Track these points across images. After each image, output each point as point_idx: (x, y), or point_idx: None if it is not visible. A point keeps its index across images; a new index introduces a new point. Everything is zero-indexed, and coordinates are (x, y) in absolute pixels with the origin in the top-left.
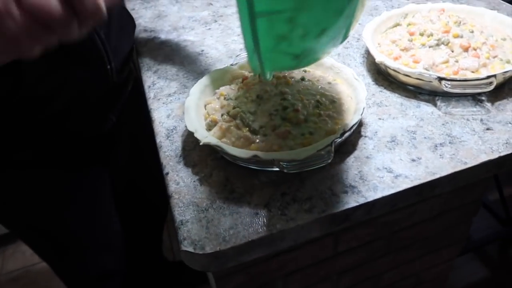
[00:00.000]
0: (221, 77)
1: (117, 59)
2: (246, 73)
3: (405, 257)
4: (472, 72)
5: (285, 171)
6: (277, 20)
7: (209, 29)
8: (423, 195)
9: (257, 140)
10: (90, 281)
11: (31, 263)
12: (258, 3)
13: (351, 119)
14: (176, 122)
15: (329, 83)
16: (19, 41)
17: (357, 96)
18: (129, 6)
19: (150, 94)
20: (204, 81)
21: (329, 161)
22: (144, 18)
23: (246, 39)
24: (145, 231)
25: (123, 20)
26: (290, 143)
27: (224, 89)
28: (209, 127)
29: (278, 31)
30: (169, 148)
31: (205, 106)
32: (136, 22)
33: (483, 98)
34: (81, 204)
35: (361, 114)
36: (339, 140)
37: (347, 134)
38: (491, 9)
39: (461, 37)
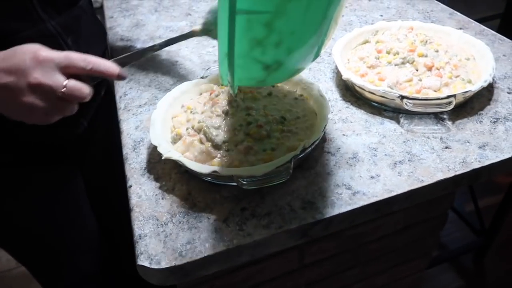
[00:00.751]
0: (190, 90)
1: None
2: (215, 87)
3: (373, 269)
4: (434, 91)
5: (244, 187)
6: (255, 21)
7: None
8: (381, 212)
9: (218, 155)
10: (66, 286)
11: (7, 268)
12: (240, 0)
13: (313, 136)
14: (144, 134)
15: (296, 98)
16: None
17: (321, 113)
18: (108, 14)
19: (121, 104)
20: (172, 93)
21: (287, 177)
22: (122, 27)
23: (221, 40)
24: (121, 234)
25: (93, 27)
26: (251, 158)
27: (191, 103)
28: (174, 141)
29: (255, 34)
30: (134, 160)
31: (172, 119)
32: (114, 31)
33: (444, 116)
34: (56, 203)
35: (323, 132)
36: (299, 156)
37: (307, 151)
38: (460, 28)
39: (426, 56)
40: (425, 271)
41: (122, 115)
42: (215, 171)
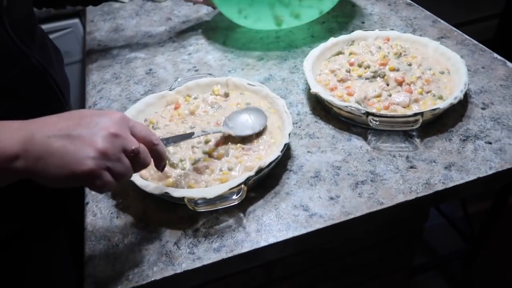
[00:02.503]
0: (155, 103)
1: (67, 93)
2: (180, 100)
3: (347, 283)
4: (403, 107)
5: (195, 209)
6: None
7: (162, 45)
8: (338, 235)
9: (174, 174)
10: None
11: None
12: None
13: (271, 156)
14: None
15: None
16: None
17: (284, 130)
18: (89, 17)
19: None
20: (137, 106)
21: (241, 200)
22: (101, 31)
23: None
24: None
25: (57, 54)
26: (207, 178)
27: (154, 116)
28: None
29: None
30: None
31: None
32: (92, 36)
33: (414, 133)
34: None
35: (282, 152)
36: (255, 177)
37: (264, 172)
38: (442, 36)
39: (398, 70)
40: (412, 279)
41: None
42: (166, 192)
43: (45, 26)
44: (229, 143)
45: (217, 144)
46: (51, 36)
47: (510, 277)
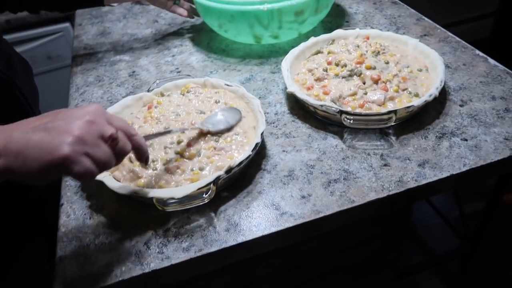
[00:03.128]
0: (132, 105)
1: (35, 103)
2: (154, 101)
3: (332, 283)
4: (379, 105)
5: (164, 210)
6: None
7: (147, 48)
8: (310, 233)
9: (144, 175)
10: None
11: None
12: None
13: (242, 156)
14: None
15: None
16: None
17: (257, 130)
18: (77, 21)
19: None
20: (114, 108)
21: (210, 199)
22: (88, 35)
23: None
24: None
25: (24, 65)
26: (178, 178)
27: (130, 118)
28: None
29: None
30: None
31: None
32: (79, 39)
33: (390, 131)
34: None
35: (253, 151)
36: (225, 177)
37: (234, 171)
38: (425, 34)
39: (374, 68)
40: (409, 278)
41: None
42: (135, 192)
43: (36, 31)
44: (202, 143)
45: (189, 145)
46: (42, 41)
47: (507, 276)
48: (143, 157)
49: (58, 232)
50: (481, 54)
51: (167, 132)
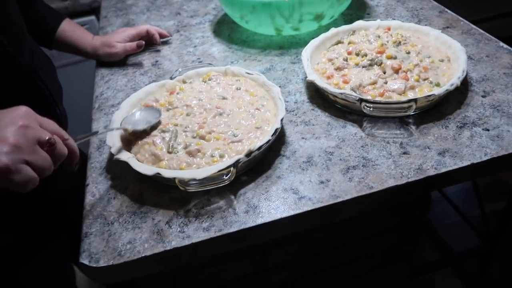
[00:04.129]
0: (155, 91)
1: (58, 97)
2: (177, 87)
3: (346, 274)
4: (399, 94)
5: (186, 189)
6: None
7: (170, 38)
8: (328, 218)
9: (166, 158)
10: None
11: None
12: None
13: (261, 140)
14: None
15: (257, 109)
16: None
17: (277, 116)
18: (102, 13)
19: (95, 104)
20: (137, 95)
21: (230, 181)
22: (113, 27)
23: None
24: None
25: (46, 59)
26: (199, 161)
27: (150, 103)
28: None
29: None
30: (96, 159)
31: None
32: (104, 31)
33: (410, 120)
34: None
35: (273, 136)
36: (245, 160)
37: (254, 155)
38: (448, 26)
39: (395, 58)
40: (427, 275)
41: (95, 115)
42: (158, 173)
43: None
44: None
45: (208, 133)
46: None
47: None
48: (74, 162)
49: (83, 211)
50: (505, 46)
51: (94, 133)
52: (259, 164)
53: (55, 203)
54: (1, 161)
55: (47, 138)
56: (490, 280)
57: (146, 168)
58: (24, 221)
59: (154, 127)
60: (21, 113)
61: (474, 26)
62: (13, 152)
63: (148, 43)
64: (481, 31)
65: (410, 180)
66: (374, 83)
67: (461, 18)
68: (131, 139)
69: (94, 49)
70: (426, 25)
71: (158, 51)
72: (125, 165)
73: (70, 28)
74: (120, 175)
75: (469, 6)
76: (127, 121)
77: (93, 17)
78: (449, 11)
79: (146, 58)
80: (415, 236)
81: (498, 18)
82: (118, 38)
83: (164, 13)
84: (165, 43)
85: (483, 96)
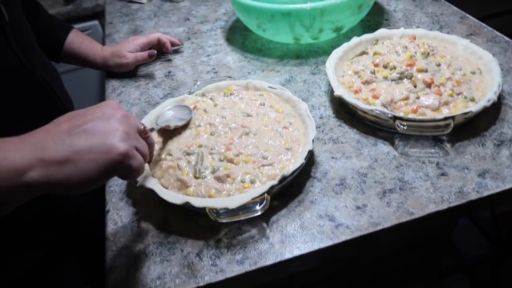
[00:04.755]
0: None
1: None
2: (198, 104)
3: None
4: (433, 110)
5: (217, 220)
6: None
7: (181, 47)
8: (365, 246)
9: (193, 184)
10: None
11: None
12: None
13: (294, 164)
14: None
15: (284, 127)
16: None
17: (307, 136)
18: (108, 19)
19: None
20: (156, 112)
21: (264, 210)
22: (119, 34)
23: None
24: None
25: (56, 72)
26: (229, 188)
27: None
28: (153, 165)
29: None
30: (115, 182)
31: None
32: (111, 38)
33: (443, 138)
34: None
35: (305, 160)
36: (278, 186)
37: (287, 180)
38: (471, 33)
39: (426, 71)
40: (438, 281)
41: None
42: (187, 202)
43: None
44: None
45: (236, 155)
46: None
47: None
48: (151, 157)
49: (106, 241)
50: None
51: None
52: (289, 187)
53: (67, 220)
54: (121, 147)
55: (142, 126)
56: (501, 285)
57: (174, 196)
58: (45, 238)
59: (186, 125)
60: (115, 105)
61: (499, 34)
62: (127, 138)
63: (159, 51)
64: (507, 38)
65: (452, 205)
66: (406, 98)
67: (484, 25)
68: (154, 163)
69: (104, 60)
70: (448, 32)
71: (170, 60)
72: (146, 190)
73: (78, 39)
74: (141, 199)
75: (477, 0)
76: (160, 120)
77: (96, 22)
78: (470, 16)
79: (158, 69)
80: (439, 253)
81: (507, 14)
82: (129, 48)
83: (172, 18)
84: (176, 51)
85: None
